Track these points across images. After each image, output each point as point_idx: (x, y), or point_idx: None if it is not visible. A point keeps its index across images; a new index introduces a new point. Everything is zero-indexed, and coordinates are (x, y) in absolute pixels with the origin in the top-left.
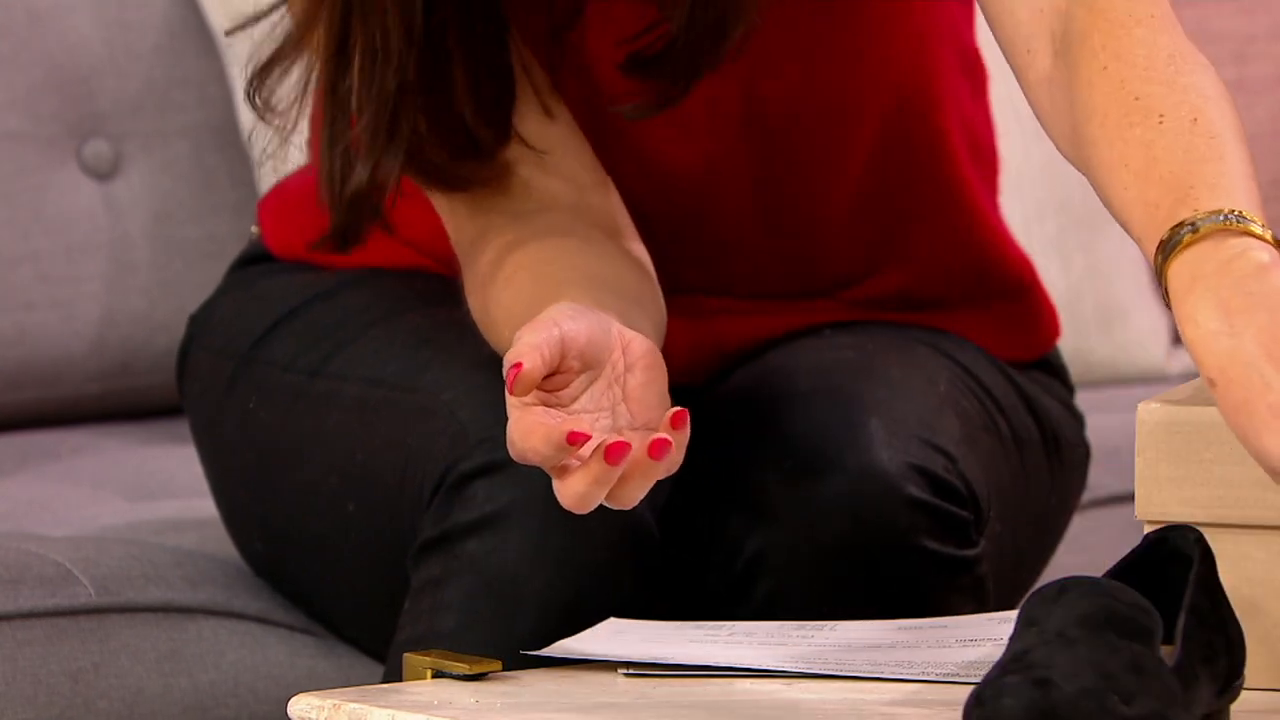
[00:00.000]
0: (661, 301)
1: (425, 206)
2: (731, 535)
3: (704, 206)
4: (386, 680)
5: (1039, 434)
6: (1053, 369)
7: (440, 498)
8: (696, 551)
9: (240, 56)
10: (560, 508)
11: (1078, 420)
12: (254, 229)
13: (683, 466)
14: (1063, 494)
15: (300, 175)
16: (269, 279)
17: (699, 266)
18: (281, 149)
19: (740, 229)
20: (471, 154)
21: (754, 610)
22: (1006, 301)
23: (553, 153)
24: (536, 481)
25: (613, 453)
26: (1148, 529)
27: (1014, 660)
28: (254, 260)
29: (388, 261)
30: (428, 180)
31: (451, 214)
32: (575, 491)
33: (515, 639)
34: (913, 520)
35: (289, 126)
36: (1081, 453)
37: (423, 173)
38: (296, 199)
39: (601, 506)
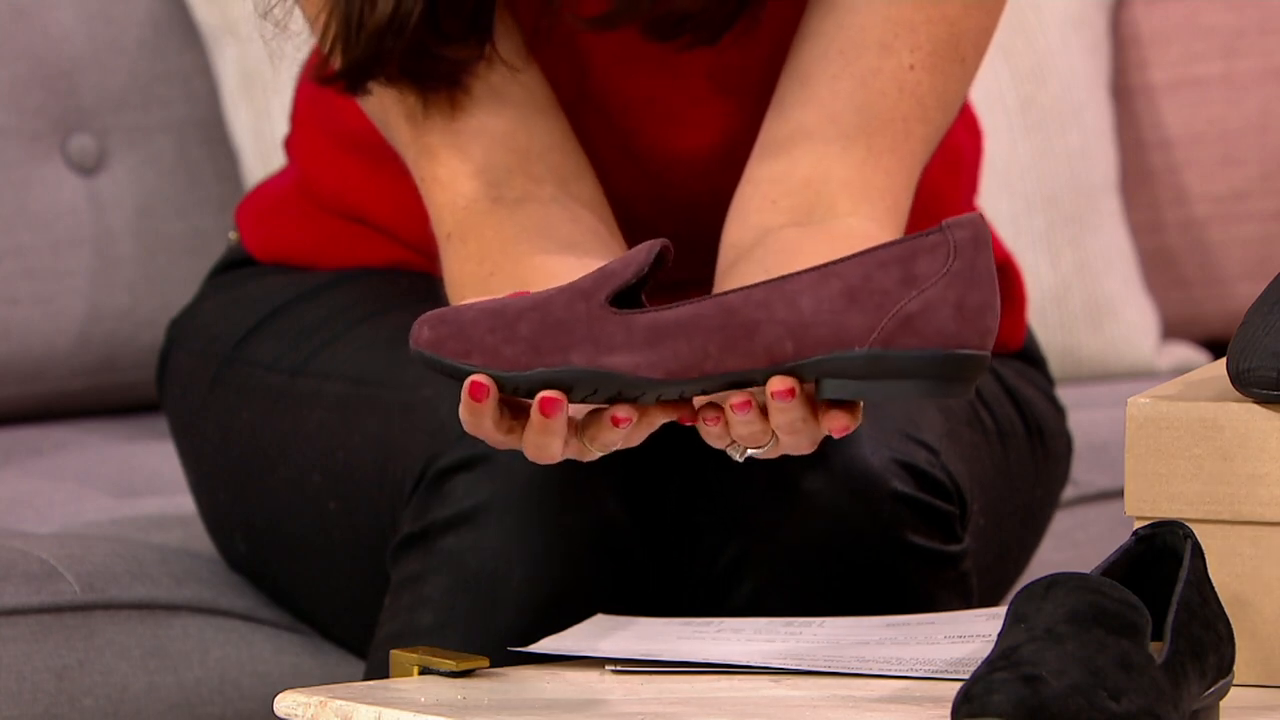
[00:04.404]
0: None
1: (414, 199)
2: (714, 533)
3: (698, 198)
4: (368, 677)
5: (1023, 426)
6: (1033, 359)
7: (420, 493)
8: (679, 550)
9: (226, 51)
10: (539, 504)
11: (1059, 411)
12: (232, 235)
13: (664, 464)
14: (1047, 486)
15: (278, 178)
16: (251, 281)
17: (689, 259)
18: (284, 27)
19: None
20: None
21: (737, 609)
22: None
23: (524, 111)
24: (515, 476)
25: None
26: (1137, 525)
27: (1003, 656)
28: (233, 265)
29: (371, 261)
30: (422, 60)
31: (430, 200)
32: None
33: (494, 635)
34: (896, 514)
35: None
36: (1064, 443)
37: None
38: (275, 201)
39: (578, 504)
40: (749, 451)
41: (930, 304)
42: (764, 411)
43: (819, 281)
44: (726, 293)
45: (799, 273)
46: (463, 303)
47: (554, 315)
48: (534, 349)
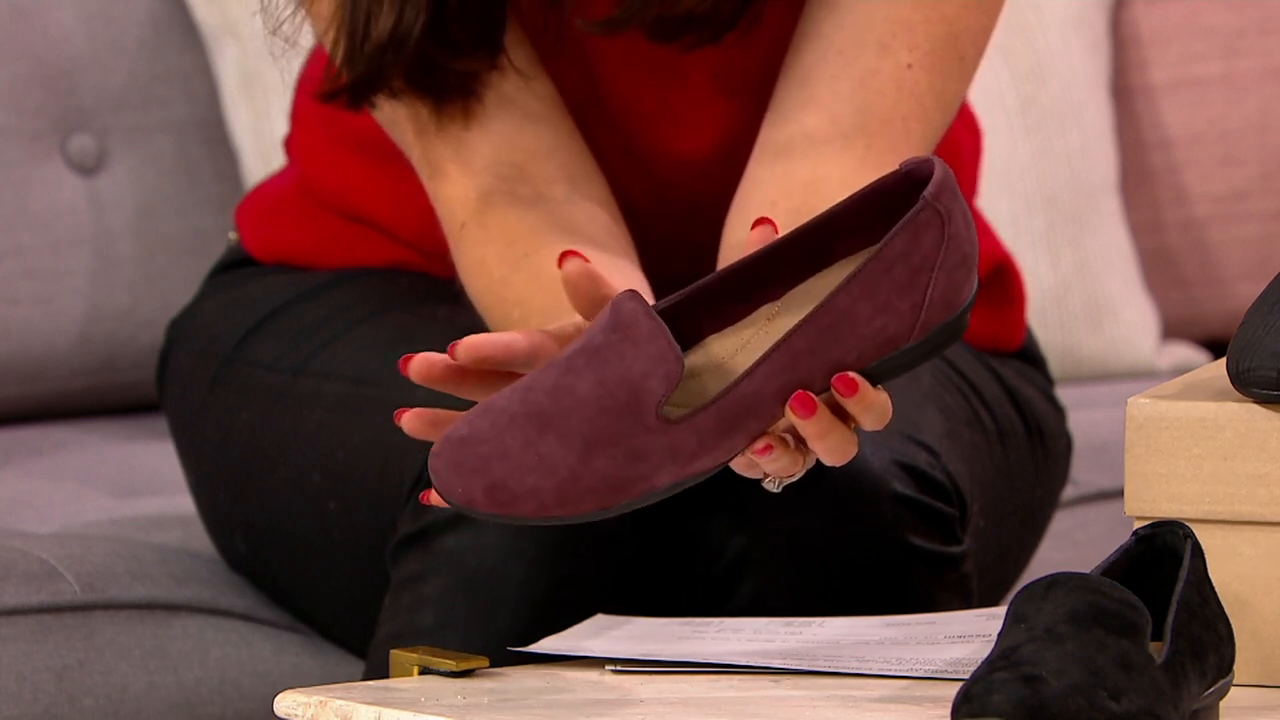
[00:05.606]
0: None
1: (414, 198)
2: (714, 534)
3: (698, 198)
4: (368, 677)
5: (1023, 426)
6: (1032, 359)
7: (419, 493)
8: (679, 552)
9: (226, 51)
10: None
11: (1059, 411)
12: (232, 235)
13: None
14: (1047, 486)
15: (278, 178)
16: (251, 281)
17: (688, 259)
18: (296, 30)
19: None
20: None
21: (738, 608)
22: (985, 283)
23: (533, 115)
24: None
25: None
26: (1137, 525)
27: (1003, 656)
28: (233, 265)
29: (371, 261)
30: (430, 72)
31: (438, 197)
32: None
33: (493, 635)
34: (897, 516)
35: None
36: (1064, 443)
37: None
38: (275, 201)
39: None
40: (784, 481)
41: (948, 278)
42: (786, 444)
43: (850, 307)
44: (769, 354)
45: (824, 305)
46: (463, 440)
47: (613, 446)
48: (612, 488)
